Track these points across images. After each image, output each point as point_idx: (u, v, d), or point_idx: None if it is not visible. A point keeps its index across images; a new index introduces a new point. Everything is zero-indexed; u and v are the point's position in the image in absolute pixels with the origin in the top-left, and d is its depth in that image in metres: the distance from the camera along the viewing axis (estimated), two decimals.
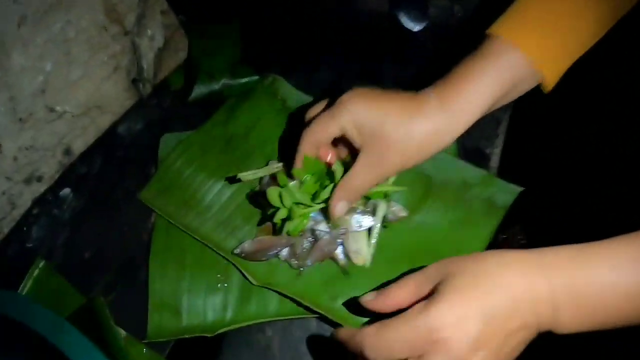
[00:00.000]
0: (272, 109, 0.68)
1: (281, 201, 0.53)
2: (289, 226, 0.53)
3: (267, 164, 0.62)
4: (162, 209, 0.62)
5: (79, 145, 0.66)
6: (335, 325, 0.53)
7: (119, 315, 0.54)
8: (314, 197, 0.54)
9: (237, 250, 0.57)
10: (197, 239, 0.59)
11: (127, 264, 0.60)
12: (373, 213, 0.56)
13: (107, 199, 0.65)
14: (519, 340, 0.38)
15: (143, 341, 0.54)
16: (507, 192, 0.58)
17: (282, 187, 0.54)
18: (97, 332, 0.52)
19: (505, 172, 0.61)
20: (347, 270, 0.56)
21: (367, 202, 0.57)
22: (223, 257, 0.58)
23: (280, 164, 0.60)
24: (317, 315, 0.54)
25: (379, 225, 0.55)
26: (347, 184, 0.50)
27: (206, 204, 0.62)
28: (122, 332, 0.56)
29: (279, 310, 0.55)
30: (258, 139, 0.66)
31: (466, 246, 0.55)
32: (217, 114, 0.69)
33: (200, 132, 0.68)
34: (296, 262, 0.56)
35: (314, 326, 0.55)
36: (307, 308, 0.54)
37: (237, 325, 0.55)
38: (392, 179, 0.59)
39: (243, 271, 0.56)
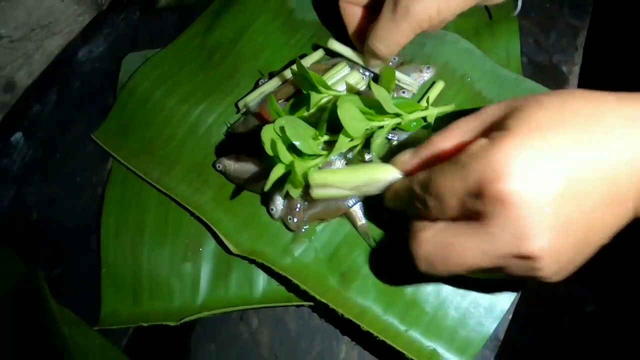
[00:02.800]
0: (268, 8, 0.47)
1: (276, 151, 0.32)
2: (273, 177, 0.32)
3: (258, 82, 0.43)
4: (119, 152, 0.44)
5: (23, 78, 0.49)
6: (342, 320, 0.34)
7: (68, 293, 0.42)
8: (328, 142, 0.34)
9: (218, 165, 0.39)
10: (160, 191, 0.41)
11: (78, 227, 0.44)
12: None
13: (60, 144, 0.48)
14: (612, 221, 0.25)
15: (94, 328, 0.39)
16: None
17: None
18: (35, 314, 0.38)
19: None
20: (369, 235, 0.36)
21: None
22: (192, 214, 0.40)
23: (278, 81, 0.40)
24: (313, 304, 0.36)
25: None
26: (380, 30, 0.36)
27: (175, 143, 0.43)
28: (70, 315, 0.41)
29: (267, 294, 0.37)
30: (249, 47, 0.45)
31: None
32: (195, 23, 0.49)
33: (173, 47, 0.47)
34: (294, 220, 0.37)
35: (316, 316, 0.38)
36: (302, 292, 0.35)
37: (209, 313, 0.37)
38: (435, 92, 0.38)
39: (219, 233, 0.38)
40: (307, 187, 0.35)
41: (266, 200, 0.38)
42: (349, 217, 0.37)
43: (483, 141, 0.25)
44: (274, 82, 0.41)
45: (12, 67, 0.49)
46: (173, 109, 0.44)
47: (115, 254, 0.41)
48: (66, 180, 0.47)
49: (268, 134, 0.33)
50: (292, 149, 0.32)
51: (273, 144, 0.32)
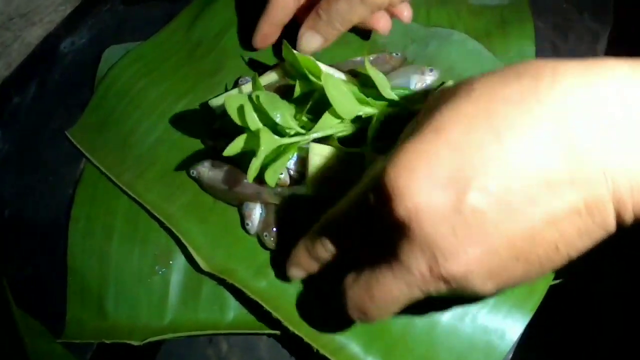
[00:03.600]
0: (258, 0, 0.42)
1: (244, 119, 0.29)
2: (253, 165, 0.28)
3: (238, 81, 0.38)
4: (93, 152, 0.40)
5: (0, 69, 0.45)
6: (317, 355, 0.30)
7: (34, 298, 0.39)
8: (309, 117, 0.31)
9: (192, 172, 0.35)
10: (130, 196, 0.37)
11: (49, 229, 0.40)
12: None
13: (37, 139, 0.45)
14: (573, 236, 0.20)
15: (59, 340, 0.36)
16: None
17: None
18: None
19: None
20: None
21: None
22: (161, 224, 0.35)
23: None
24: (282, 333, 0.32)
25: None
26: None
27: (151, 142, 0.39)
28: (34, 324, 0.38)
29: (238, 318, 0.32)
30: (235, 42, 0.41)
31: None
32: (180, 15, 0.45)
33: (155, 40, 0.43)
34: (269, 237, 0.33)
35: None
36: (274, 320, 0.31)
37: (176, 335, 0.33)
38: None
39: (188, 246, 0.34)
40: (292, 181, 0.32)
41: (242, 213, 0.34)
42: None
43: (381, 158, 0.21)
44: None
45: None
46: (151, 104, 0.40)
47: (82, 259, 0.37)
48: (40, 178, 0.43)
49: (235, 101, 0.28)
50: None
51: (240, 110, 0.28)
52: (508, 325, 0.31)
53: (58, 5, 0.47)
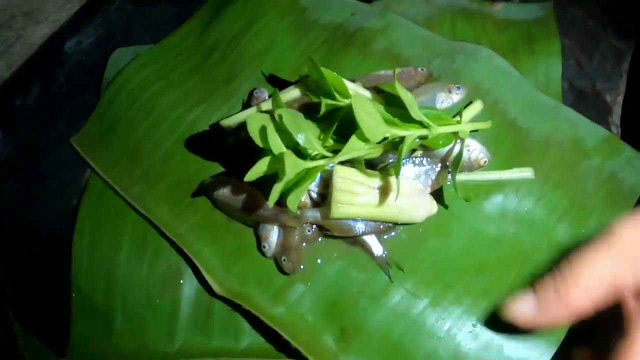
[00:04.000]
0: (276, 5, 0.40)
1: (266, 141, 0.27)
2: (276, 190, 0.26)
3: (253, 93, 0.36)
4: (98, 161, 0.38)
5: (1, 70, 0.43)
6: None
7: (35, 316, 0.37)
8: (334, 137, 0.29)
9: (209, 192, 0.33)
10: (138, 212, 0.35)
11: (50, 241, 0.38)
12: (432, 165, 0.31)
13: (39, 144, 0.43)
14: None
15: (60, 359, 0.34)
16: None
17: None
18: None
19: (630, 135, 0.38)
20: (389, 269, 0.31)
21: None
22: (171, 242, 0.33)
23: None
24: None
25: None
26: None
27: (162, 154, 0.36)
28: (35, 343, 0.36)
29: (253, 346, 0.31)
30: (252, 49, 0.39)
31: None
32: (193, 18, 0.42)
33: (167, 44, 0.41)
34: (288, 262, 0.31)
35: None
36: (292, 350, 0.29)
37: None
38: (470, 113, 0.33)
39: (201, 268, 0.32)
40: (312, 203, 0.31)
41: (258, 234, 0.32)
42: (361, 244, 0.31)
43: None
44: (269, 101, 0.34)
45: None
46: (163, 112, 0.38)
47: (87, 275, 0.35)
48: (42, 186, 0.41)
49: (257, 121, 0.26)
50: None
51: (263, 132, 0.26)
52: (533, 357, 0.30)
53: (64, 3, 0.44)
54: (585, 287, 0.24)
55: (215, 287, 0.32)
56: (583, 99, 0.40)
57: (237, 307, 0.32)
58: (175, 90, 0.39)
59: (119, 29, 0.46)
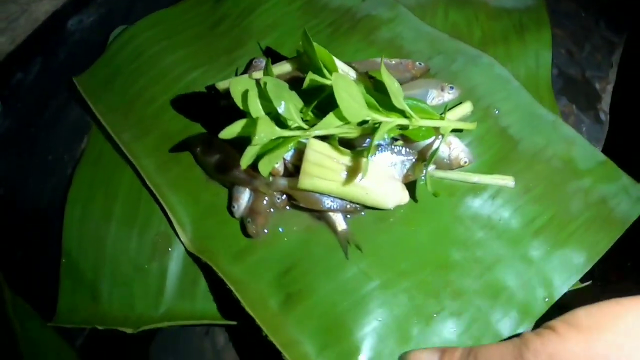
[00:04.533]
0: None
1: (247, 104, 0.27)
2: (248, 152, 0.27)
3: (252, 61, 0.37)
4: (96, 102, 0.39)
5: (5, 44, 0.44)
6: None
7: (26, 281, 0.37)
8: (315, 112, 0.29)
9: (189, 143, 0.34)
10: (129, 162, 0.36)
11: (45, 210, 0.39)
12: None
13: (38, 117, 0.43)
14: None
15: (49, 324, 0.34)
16: (636, 196, 0.32)
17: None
18: None
19: (618, 124, 0.38)
20: (348, 245, 0.31)
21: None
22: (153, 195, 0.34)
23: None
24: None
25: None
26: None
27: (157, 106, 0.37)
28: (25, 307, 0.37)
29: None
30: (259, 23, 0.40)
31: (551, 272, 0.30)
32: None
33: (181, 7, 0.43)
34: (252, 224, 0.31)
35: None
36: (241, 312, 0.30)
37: (171, 324, 0.32)
38: (458, 113, 0.33)
39: (174, 221, 0.33)
40: (287, 173, 0.31)
41: (230, 194, 0.33)
42: (326, 219, 0.32)
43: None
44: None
45: None
46: (164, 70, 0.39)
47: (77, 242, 0.35)
48: (39, 157, 0.42)
49: (242, 85, 0.27)
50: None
51: (245, 95, 0.27)
52: None
53: None
54: None
55: (184, 240, 0.33)
56: (572, 85, 0.40)
57: (200, 265, 0.32)
58: (179, 51, 0.40)
59: (122, 9, 0.46)
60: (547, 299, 0.29)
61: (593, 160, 0.33)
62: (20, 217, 0.39)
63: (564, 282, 0.30)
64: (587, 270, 0.30)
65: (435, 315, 0.29)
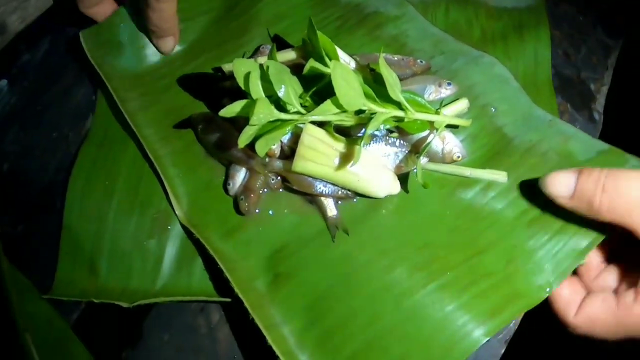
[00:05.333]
0: None
1: (248, 85, 0.28)
2: (246, 132, 0.27)
3: (259, 48, 0.38)
4: (101, 65, 0.39)
5: (15, 22, 0.44)
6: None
7: (26, 254, 0.38)
8: (314, 98, 0.30)
9: (191, 119, 0.35)
10: (132, 134, 0.36)
11: (47, 186, 0.39)
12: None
13: (44, 95, 0.43)
14: None
15: (45, 296, 0.35)
16: None
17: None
18: None
19: (612, 125, 0.39)
20: (336, 230, 0.31)
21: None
22: (152, 167, 0.35)
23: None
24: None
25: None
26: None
27: (164, 82, 0.38)
28: (22, 279, 0.37)
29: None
30: (268, 12, 0.40)
31: (535, 264, 0.29)
32: None
33: None
34: (245, 201, 0.32)
35: None
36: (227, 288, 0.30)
37: (167, 299, 0.32)
38: (453, 109, 0.33)
39: (169, 191, 0.33)
40: (283, 155, 0.32)
41: (227, 172, 0.34)
42: (318, 204, 0.32)
43: None
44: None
45: (4, 10, 0.44)
46: (175, 48, 0.40)
47: (78, 218, 0.36)
48: (43, 134, 0.42)
49: (245, 66, 0.28)
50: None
51: (247, 76, 0.28)
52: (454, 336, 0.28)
53: None
54: (623, 193, 0.25)
55: (179, 213, 0.33)
56: (568, 84, 0.41)
57: (192, 240, 0.33)
58: (193, 33, 0.41)
59: None
60: (547, 289, 0.29)
61: (593, 150, 0.32)
62: (23, 192, 0.40)
63: (564, 270, 0.29)
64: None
65: (422, 289, 0.29)
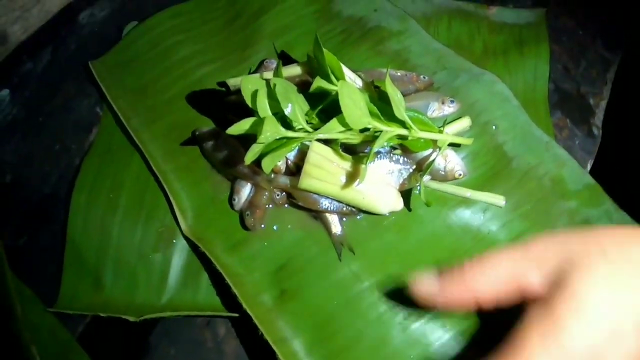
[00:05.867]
0: None
1: (255, 103, 0.28)
2: (253, 150, 0.27)
3: (263, 62, 0.38)
4: (109, 87, 0.40)
5: (17, 33, 0.44)
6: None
7: (29, 266, 0.38)
8: (320, 116, 0.30)
9: (196, 133, 0.35)
10: (137, 149, 0.36)
11: (50, 197, 0.39)
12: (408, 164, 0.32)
13: (46, 106, 0.43)
14: None
15: (50, 309, 0.35)
16: (617, 222, 0.32)
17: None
18: None
19: (611, 139, 0.39)
20: (342, 248, 0.32)
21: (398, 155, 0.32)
22: (157, 181, 0.35)
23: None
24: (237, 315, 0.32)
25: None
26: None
27: (168, 96, 0.38)
28: (26, 292, 0.37)
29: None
30: (272, 24, 0.40)
31: None
32: None
33: (199, 2, 0.43)
34: (250, 217, 0.32)
35: None
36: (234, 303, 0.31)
37: (173, 314, 0.33)
38: (456, 127, 0.33)
39: (174, 205, 0.34)
40: (288, 171, 0.32)
41: (232, 188, 0.34)
42: (322, 220, 0.32)
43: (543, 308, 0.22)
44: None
45: (6, 20, 0.44)
46: (178, 61, 0.40)
47: (82, 231, 0.36)
48: (46, 146, 0.42)
49: (252, 84, 0.28)
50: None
51: (255, 94, 0.28)
52: None
53: None
54: (491, 276, 0.24)
55: (183, 227, 0.33)
56: (567, 99, 0.42)
57: (197, 253, 0.33)
58: (196, 44, 0.41)
59: (133, 4, 0.47)
60: None
61: (581, 182, 0.33)
62: (26, 204, 0.40)
63: None
64: None
65: (427, 313, 0.29)
